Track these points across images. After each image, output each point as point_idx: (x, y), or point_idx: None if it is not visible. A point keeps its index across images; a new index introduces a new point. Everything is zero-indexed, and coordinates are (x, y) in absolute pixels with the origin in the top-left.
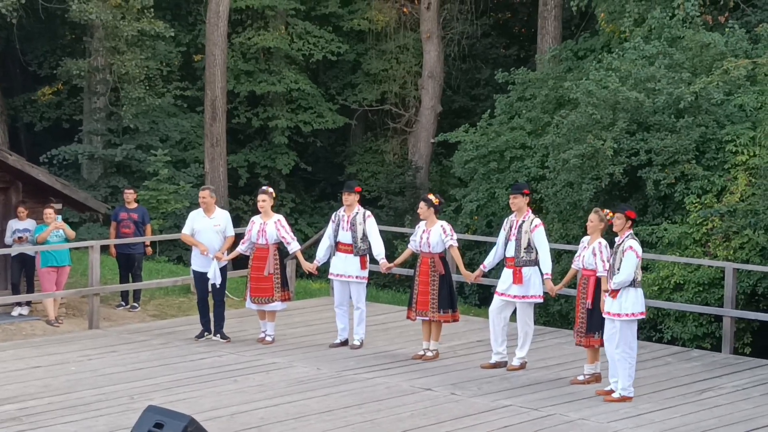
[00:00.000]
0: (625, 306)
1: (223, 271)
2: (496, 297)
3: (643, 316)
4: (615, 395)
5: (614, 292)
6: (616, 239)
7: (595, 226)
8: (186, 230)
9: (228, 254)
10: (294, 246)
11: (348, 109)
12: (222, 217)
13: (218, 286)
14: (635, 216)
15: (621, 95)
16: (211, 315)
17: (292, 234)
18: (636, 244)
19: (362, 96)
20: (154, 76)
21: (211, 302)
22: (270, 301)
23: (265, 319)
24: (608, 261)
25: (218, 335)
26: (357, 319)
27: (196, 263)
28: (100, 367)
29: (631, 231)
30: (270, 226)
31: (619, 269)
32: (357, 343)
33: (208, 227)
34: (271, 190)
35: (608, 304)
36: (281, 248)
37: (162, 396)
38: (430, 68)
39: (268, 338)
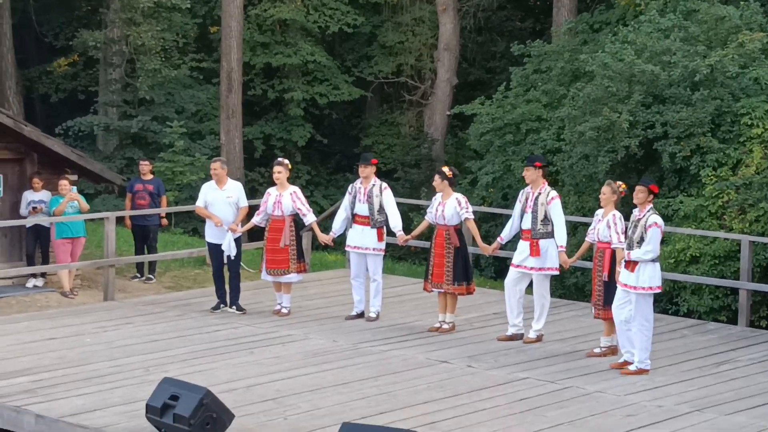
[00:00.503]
0: (643, 279)
1: (238, 242)
2: (511, 269)
3: (660, 290)
4: (632, 368)
5: (632, 265)
6: (635, 212)
7: (608, 199)
8: (199, 202)
9: (242, 226)
10: (310, 218)
11: (364, 82)
12: (234, 189)
13: (233, 258)
14: (658, 190)
15: (636, 68)
16: (227, 287)
17: (308, 206)
18: (660, 220)
19: (378, 68)
20: (170, 48)
21: (226, 274)
22: (286, 272)
23: (281, 291)
24: (622, 233)
25: (234, 307)
26: (373, 291)
27: (211, 235)
28: (116, 339)
29: (652, 205)
30: (286, 198)
31: (638, 243)
32: (373, 315)
33: (220, 199)
34: (286, 161)
35: (625, 276)
36: (297, 220)
37: (177, 368)
38: (445, 41)
39: (284, 310)
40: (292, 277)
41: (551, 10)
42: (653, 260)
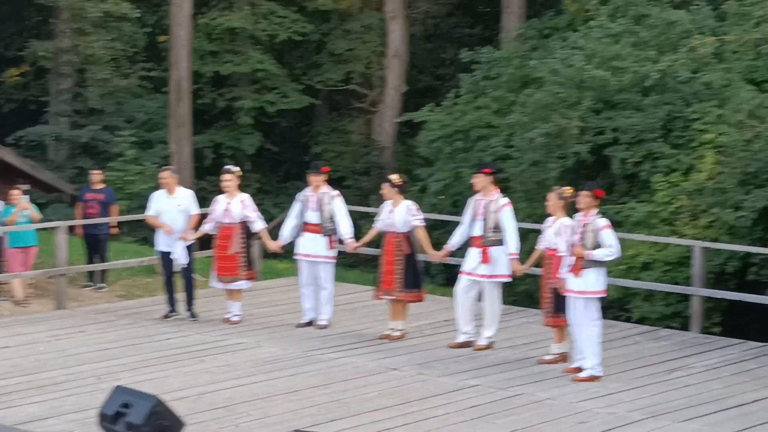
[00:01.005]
0: (589, 284)
1: (190, 250)
2: (462, 276)
3: (605, 295)
4: (584, 374)
5: (577, 269)
6: (578, 216)
7: (555, 205)
8: (150, 212)
9: (194, 234)
10: (259, 225)
11: (313, 90)
12: (185, 196)
13: (185, 266)
14: (603, 195)
15: (586, 74)
16: (177, 295)
17: (258, 213)
18: (608, 222)
19: (327, 76)
20: (120, 57)
21: (178, 283)
22: (235, 279)
23: (232, 299)
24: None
25: (189, 312)
26: (324, 299)
27: (162, 244)
28: (68, 347)
29: (598, 210)
30: (235, 205)
31: (594, 248)
32: (324, 322)
33: (171, 207)
34: (236, 169)
35: (571, 282)
36: (246, 228)
37: (129, 376)
38: (394, 48)
39: (234, 318)
40: (242, 284)
41: (500, 16)
42: (603, 263)
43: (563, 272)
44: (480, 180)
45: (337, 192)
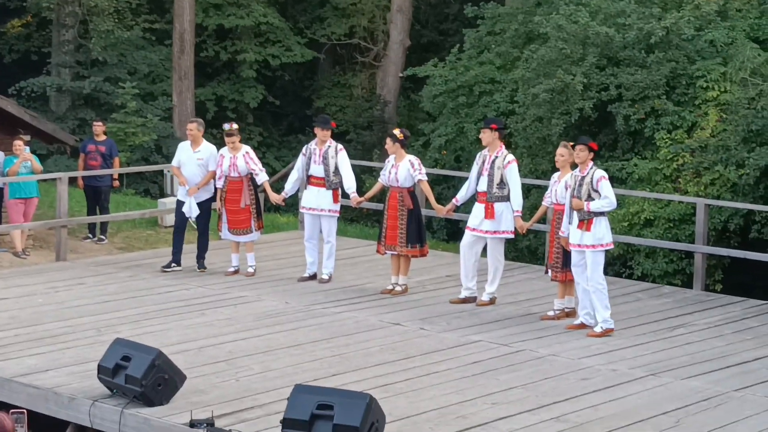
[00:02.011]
0: (597, 236)
1: (207, 203)
2: (467, 232)
3: (612, 247)
4: (597, 329)
5: (585, 223)
6: (576, 171)
7: (565, 160)
8: (174, 161)
9: (209, 189)
10: (262, 177)
11: (316, 43)
12: (206, 151)
13: (193, 220)
14: (597, 147)
15: (591, 30)
16: (182, 247)
17: (260, 165)
18: (605, 173)
19: (330, 30)
20: (123, 9)
21: (189, 234)
22: (247, 231)
23: (238, 252)
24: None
25: (198, 263)
26: (327, 252)
27: (180, 193)
28: (67, 300)
29: (593, 162)
30: (240, 159)
31: (588, 200)
32: (326, 276)
33: (191, 160)
34: (234, 126)
35: (577, 236)
36: (253, 180)
37: (129, 329)
38: (398, 2)
39: (250, 269)
40: (254, 235)
41: None
42: (603, 215)
43: (565, 226)
44: (487, 135)
45: (341, 146)
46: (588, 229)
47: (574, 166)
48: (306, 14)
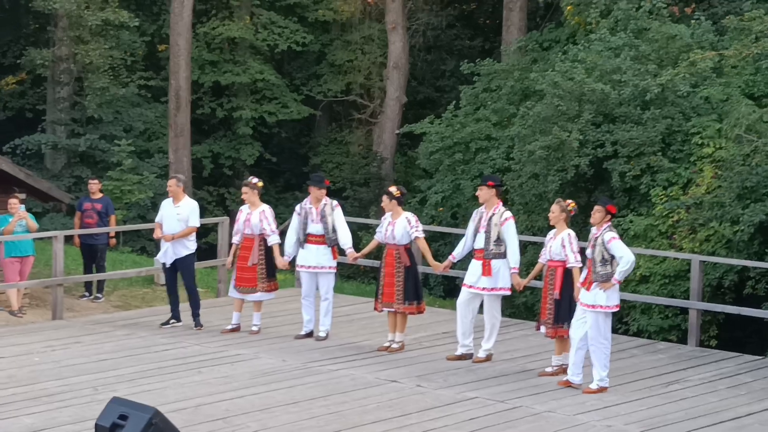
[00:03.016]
0: (600, 297)
1: (188, 259)
2: (463, 289)
3: (617, 309)
4: (593, 386)
5: (588, 283)
6: (593, 230)
7: (557, 217)
8: (157, 218)
9: (188, 240)
10: (273, 239)
11: (313, 100)
12: (186, 207)
13: (168, 266)
14: (615, 211)
15: (587, 87)
16: (178, 303)
17: (274, 226)
18: (615, 234)
19: (327, 87)
20: (118, 66)
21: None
22: (253, 291)
23: (240, 311)
24: (578, 252)
25: (195, 320)
26: (324, 310)
27: (161, 250)
28: (64, 358)
29: (610, 224)
30: (255, 216)
31: (601, 262)
32: (323, 334)
33: (171, 215)
34: (254, 180)
35: (583, 295)
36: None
37: (126, 387)
38: (395, 59)
39: (254, 328)
40: (259, 295)
41: (501, 28)
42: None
43: (579, 284)
44: (484, 192)
45: (336, 202)
46: (590, 289)
47: (572, 223)
48: (302, 71)
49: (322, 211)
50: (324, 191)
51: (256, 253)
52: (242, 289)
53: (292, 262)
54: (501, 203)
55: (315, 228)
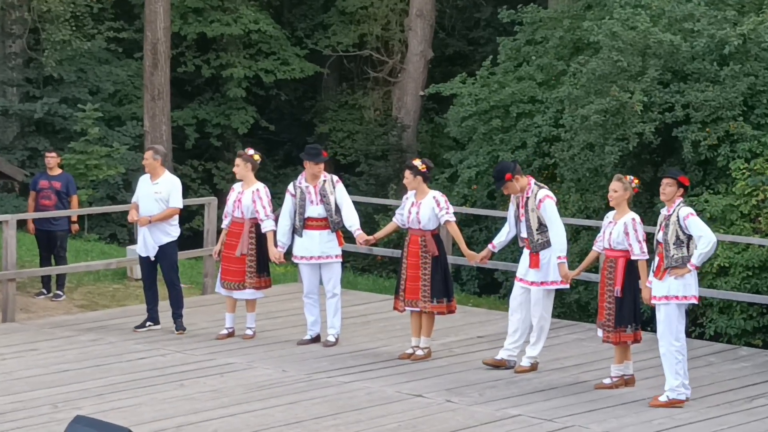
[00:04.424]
0: (675, 287)
1: (170, 247)
2: (516, 283)
3: (696, 301)
4: (662, 398)
5: (661, 272)
6: (663, 211)
7: (620, 197)
8: (134, 198)
9: (170, 224)
10: (267, 225)
11: (319, 56)
12: (167, 184)
13: (151, 259)
14: (689, 183)
15: (652, 38)
16: (156, 301)
17: (269, 209)
18: (692, 210)
19: (336, 39)
20: (83, 15)
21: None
22: (241, 286)
23: (233, 312)
24: (644, 241)
25: (176, 321)
26: (332, 309)
27: (139, 239)
28: (17, 369)
29: (682, 200)
30: (247, 197)
31: (675, 244)
32: (332, 338)
33: (148, 194)
34: (250, 152)
35: (655, 287)
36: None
37: (92, 404)
38: (418, 6)
39: (248, 332)
40: (248, 293)
41: None
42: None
43: (645, 282)
44: (510, 187)
45: (336, 177)
46: (663, 278)
47: (634, 203)
48: (306, 20)
49: (321, 189)
50: (322, 165)
51: (246, 241)
52: (228, 283)
53: (288, 254)
54: (533, 181)
55: (315, 210)
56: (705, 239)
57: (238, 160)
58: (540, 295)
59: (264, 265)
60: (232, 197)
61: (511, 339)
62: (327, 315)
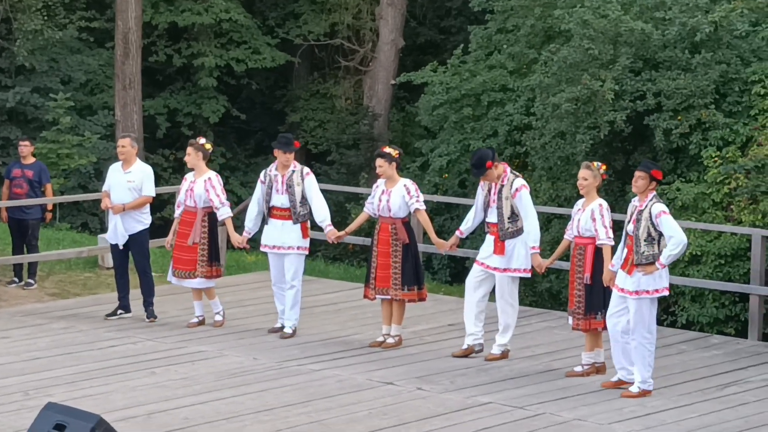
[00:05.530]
0: (645, 281)
1: (141, 236)
2: (475, 266)
3: (667, 293)
4: (633, 389)
5: (629, 266)
6: (634, 201)
7: (590, 184)
8: (104, 186)
9: (142, 212)
10: (223, 212)
11: (290, 45)
12: (139, 173)
13: (121, 247)
14: (662, 177)
15: (623, 26)
16: (127, 289)
17: (223, 197)
18: (665, 207)
19: (307, 28)
20: (54, 4)
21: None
22: (191, 275)
23: (200, 299)
24: (610, 227)
25: (147, 309)
26: (291, 300)
27: (110, 227)
28: None
29: (655, 193)
30: (199, 185)
31: (646, 241)
32: (289, 330)
33: (121, 182)
34: (201, 141)
35: (622, 279)
36: (214, 213)
37: (64, 391)
38: None
39: (217, 317)
40: (198, 282)
41: None
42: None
43: (615, 259)
44: (488, 174)
45: (308, 169)
46: (632, 273)
47: (604, 191)
48: (277, 9)
49: (288, 179)
50: (291, 155)
51: (199, 230)
52: (179, 272)
53: (253, 241)
54: (508, 169)
55: (279, 200)
56: (675, 240)
57: (189, 149)
58: (504, 282)
59: (215, 254)
60: (184, 186)
61: (471, 326)
62: (285, 306)
